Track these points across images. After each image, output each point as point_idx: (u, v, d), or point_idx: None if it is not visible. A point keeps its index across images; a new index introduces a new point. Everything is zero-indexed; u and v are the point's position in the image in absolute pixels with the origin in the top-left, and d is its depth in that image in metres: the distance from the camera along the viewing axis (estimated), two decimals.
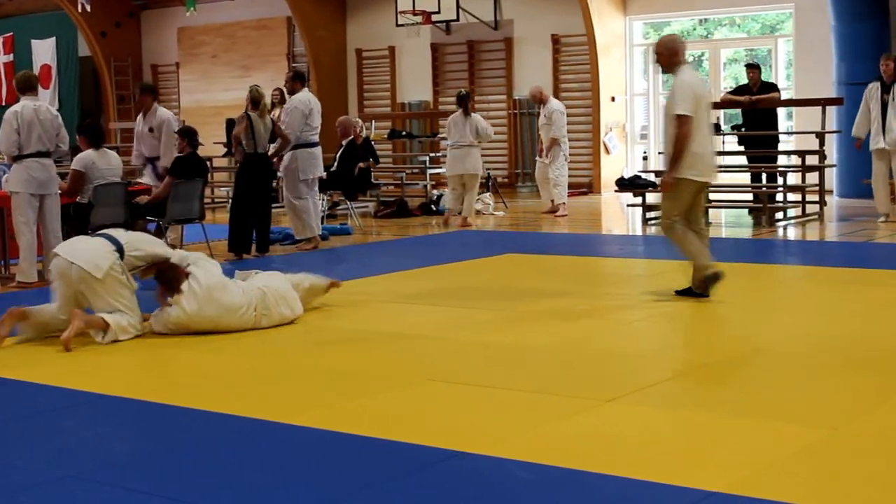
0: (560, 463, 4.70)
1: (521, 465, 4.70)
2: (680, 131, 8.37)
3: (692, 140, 8.39)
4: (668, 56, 8.63)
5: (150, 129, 12.42)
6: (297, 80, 13.21)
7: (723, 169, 16.59)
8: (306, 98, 12.99)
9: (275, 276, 8.41)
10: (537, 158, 16.80)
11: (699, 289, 8.68)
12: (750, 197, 15.57)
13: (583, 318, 8.20)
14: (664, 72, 8.85)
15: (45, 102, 11.18)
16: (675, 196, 8.62)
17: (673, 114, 8.41)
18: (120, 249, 7.79)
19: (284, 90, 14.75)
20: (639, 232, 14.39)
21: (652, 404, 5.72)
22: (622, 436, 5.19)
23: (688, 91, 8.42)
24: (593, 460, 4.75)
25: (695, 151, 8.43)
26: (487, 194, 17.49)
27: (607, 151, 19.90)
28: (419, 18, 20.44)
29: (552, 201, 16.37)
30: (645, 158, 20.03)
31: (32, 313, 7.78)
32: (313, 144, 12.95)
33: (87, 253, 7.73)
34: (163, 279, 7.95)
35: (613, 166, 19.88)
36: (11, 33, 27.09)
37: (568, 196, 16.62)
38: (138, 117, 12.72)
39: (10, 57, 27.14)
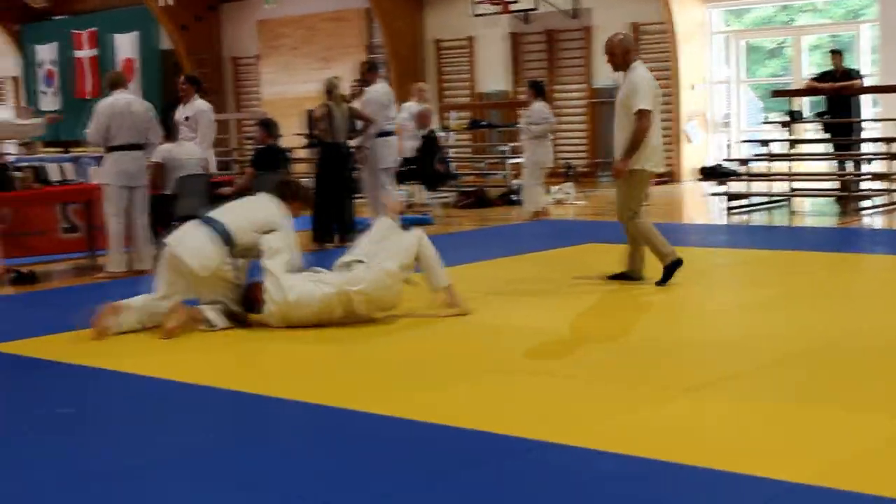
0: (642, 453, 4.67)
1: (603, 456, 4.68)
2: (641, 125, 8.75)
3: (650, 133, 8.81)
4: (622, 55, 8.98)
5: (186, 118, 12.47)
6: (372, 71, 13.25)
7: (807, 157, 16.47)
8: (384, 89, 13.04)
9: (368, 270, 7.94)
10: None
11: (666, 279, 8.94)
12: (834, 185, 15.36)
13: (665, 307, 8.14)
14: (617, 70, 9.08)
15: (137, 96, 11.34)
16: (637, 187, 9.00)
17: (635, 109, 8.73)
18: (228, 240, 7.82)
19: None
20: (721, 221, 14.25)
21: (736, 394, 5.66)
22: (705, 426, 5.15)
23: (647, 87, 8.86)
24: (676, 450, 4.71)
25: (653, 144, 8.88)
26: (568, 184, 17.45)
27: (688, 140, 19.73)
28: (497, 8, 20.40)
29: None
30: (728, 147, 19.84)
31: (126, 307, 7.85)
32: (389, 133, 13.01)
33: (195, 250, 7.76)
34: None
35: (694, 155, 19.71)
36: (95, 28, 27.49)
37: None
38: (179, 106, 12.78)
39: (94, 51, 27.56)
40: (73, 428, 5.57)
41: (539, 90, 15.09)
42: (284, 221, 8.05)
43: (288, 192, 8.32)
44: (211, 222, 7.93)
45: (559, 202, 16.64)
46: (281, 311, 7.63)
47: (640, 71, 8.98)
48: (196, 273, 7.69)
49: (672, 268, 8.94)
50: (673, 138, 19.77)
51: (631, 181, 8.95)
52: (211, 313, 7.72)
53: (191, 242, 7.84)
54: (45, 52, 28.92)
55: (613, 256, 10.71)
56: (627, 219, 9.02)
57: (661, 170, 9.25)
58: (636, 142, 8.78)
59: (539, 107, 14.68)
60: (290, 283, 7.65)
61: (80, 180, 11.75)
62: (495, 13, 20.76)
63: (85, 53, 27.79)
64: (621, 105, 8.90)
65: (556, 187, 17.16)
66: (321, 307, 7.64)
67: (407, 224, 13.90)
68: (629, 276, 9.11)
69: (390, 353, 7.03)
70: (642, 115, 8.76)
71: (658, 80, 18.56)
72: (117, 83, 11.00)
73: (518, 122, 17.27)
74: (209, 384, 6.28)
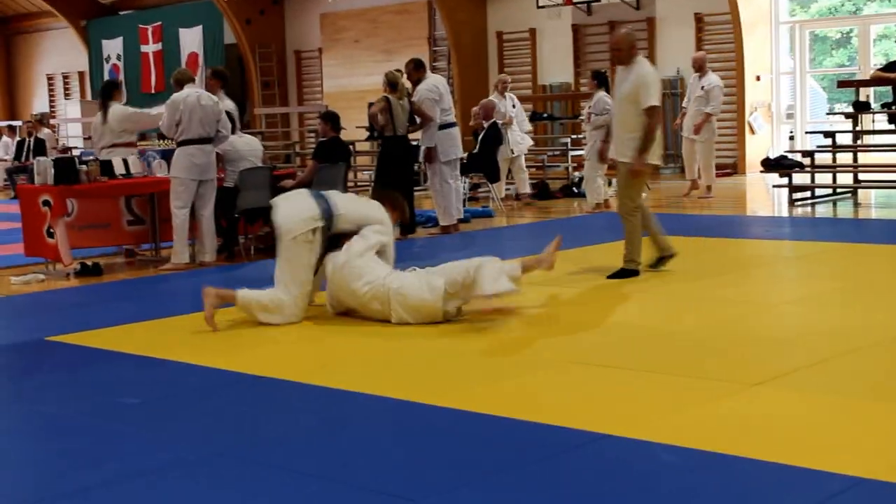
0: (705, 446, 4.65)
1: (666, 448, 4.66)
2: (653, 121, 8.85)
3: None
4: (628, 50, 9.05)
5: None
6: (418, 70, 13.16)
7: (873, 148, 16.26)
8: (430, 84, 12.94)
9: (414, 276, 7.73)
10: (684, 134, 16.27)
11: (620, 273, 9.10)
12: None
13: (728, 301, 8.08)
14: (620, 64, 9.15)
15: (205, 91, 11.42)
16: (641, 181, 9.19)
17: (647, 105, 8.81)
18: (329, 217, 7.83)
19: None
20: (785, 213, 14.12)
21: (799, 389, 5.61)
22: (769, 420, 5.11)
23: (657, 82, 9.06)
24: (739, 444, 4.68)
25: (657, 138, 9.01)
26: None
27: (752, 131, 19.56)
28: (560, 0, 20.33)
29: (694, 180, 16.06)
30: (791, 138, 19.64)
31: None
32: (450, 125, 12.97)
33: (289, 210, 7.85)
34: None
35: (758, 146, 19.54)
36: (160, 23, 27.76)
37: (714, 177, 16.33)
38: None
39: (159, 46, 27.83)
40: (138, 418, 5.64)
41: (602, 80, 14.98)
42: (386, 226, 8.04)
43: (394, 202, 8.35)
44: (320, 197, 7.98)
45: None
46: (332, 283, 7.76)
47: (647, 66, 9.10)
48: (279, 231, 7.76)
49: (629, 273, 9.07)
50: (737, 130, 19.61)
51: (637, 175, 9.08)
52: (243, 295, 7.76)
53: (289, 204, 7.94)
54: (112, 47, 29.24)
55: (678, 248, 10.64)
56: (628, 212, 9.13)
57: (660, 163, 9.45)
58: (651, 138, 8.87)
59: (601, 97, 14.58)
60: (356, 263, 7.69)
61: (144, 173, 11.86)
62: (558, 5, 20.69)
63: (150, 48, 28.06)
64: (627, 100, 8.95)
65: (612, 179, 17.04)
66: (361, 294, 7.64)
67: (469, 217, 13.97)
68: (664, 258, 9.30)
69: (453, 346, 7.03)
70: (654, 111, 8.86)
71: (722, 70, 18.41)
72: (183, 81, 11.11)
73: (580, 113, 17.25)
74: (276, 376, 6.33)
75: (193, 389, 6.24)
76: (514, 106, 16.04)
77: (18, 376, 6.70)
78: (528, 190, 16.36)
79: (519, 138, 16.17)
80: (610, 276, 9.07)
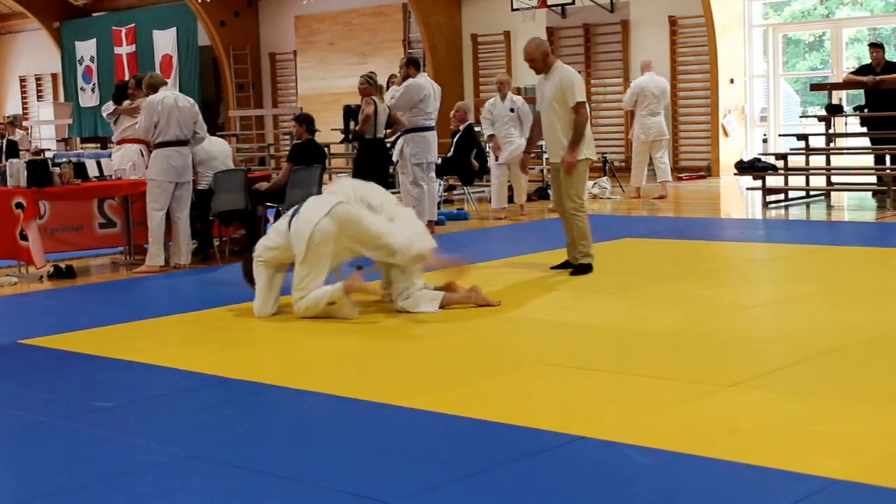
0: (680, 448, 4.66)
1: (641, 450, 4.67)
2: (581, 116, 9.30)
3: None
4: (543, 59, 9.46)
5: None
6: (411, 66, 13.17)
7: (846, 151, 16.34)
8: (421, 82, 12.96)
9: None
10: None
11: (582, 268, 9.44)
12: (873, 179, 15.23)
13: (702, 302, 8.11)
14: (539, 73, 9.54)
15: (180, 93, 11.39)
16: (580, 177, 9.49)
17: (574, 102, 9.27)
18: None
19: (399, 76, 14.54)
20: (759, 216, 14.18)
21: (774, 390, 5.63)
22: (743, 421, 5.12)
23: (580, 81, 9.53)
24: (714, 446, 4.70)
25: (589, 134, 9.46)
26: (604, 178, 17.40)
27: (726, 134, 19.63)
28: (534, 2, 20.36)
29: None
30: (765, 141, 19.72)
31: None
32: (426, 129, 12.95)
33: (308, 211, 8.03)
34: None
35: (732, 149, 19.61)
36: (133, 24, 27.66)
37: (686, 179, 16.50)
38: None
39: (133, 48, 27.73)
40: (112, 421, 5.61)
41: None
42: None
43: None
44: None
45: (595, 197, 16.59)
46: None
47: (568, 68, 9.53)
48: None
49: (586, 269, 9.39)
50: (711, 132, 19.69)
51: (575, 172, 9.39)
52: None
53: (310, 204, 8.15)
54: (85, 49, 29.12)
55: (652, 251, 10.69)
56: (573, 210, 9.41)
57: (594, 157, 9.76)
58: (579, 133, 9.29)
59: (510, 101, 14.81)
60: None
61: (117, 176, 11.82)
62: (532, 7, 20.71)
63: (124, 50, 27.96)
64: (555, 102, 9.36)
65: (592, 182, 17.10)
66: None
67: (443, 220, 13.97)
68: (571, 264, 9.54)
69: (428, 347, 7.04)
70: (582, 107, 9.31)
71: (696, 73, 18.59)
72: (157, 85, 11.08)
73: None
74: (250, 378, 6.31)
75: (167, 392, 6.21)
76: (511, 110, 14.72)
77: None
78: (523, 201, 15.22)
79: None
80: (572, 273, 9.35)
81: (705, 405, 5.38)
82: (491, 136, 14.71)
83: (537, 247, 11.26)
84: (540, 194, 17.01)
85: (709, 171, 19.61)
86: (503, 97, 14.64)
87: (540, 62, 9.44)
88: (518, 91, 21.72)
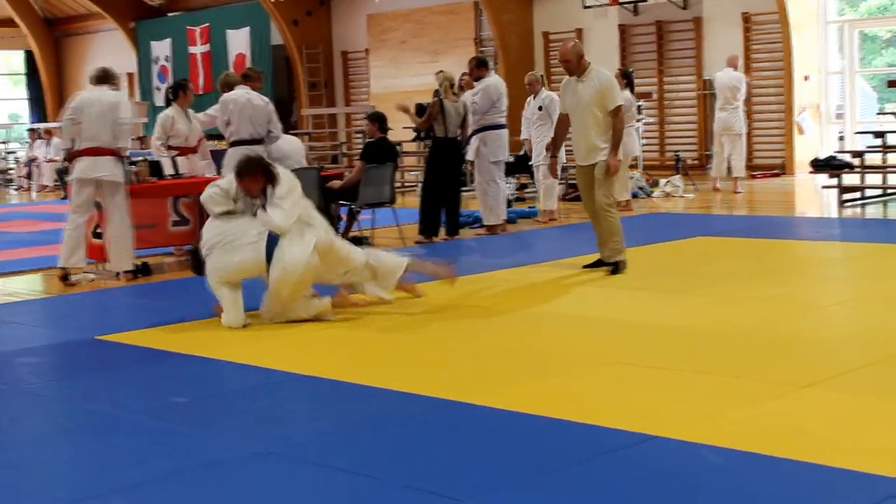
0: (752, 448, 4.62)
1: (713, 450, 4.64)
2: (621, 120, 9.50)
3: None
4: (577, 60, 9.47)
5: None
6: (481, 67, 13.17)
7: None
8: (496, 82, 12.98)
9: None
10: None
11: (617, 266, 9.46)
12: None
13: (776, 301, 8.03)
14: (572, 74, 9.53)
15: (255, 92, 11.46)
16: (614, 179, 9.60)
17: (613, 106, 9.35)
18: None
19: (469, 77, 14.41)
20: (834, 214, 14.01)
21: (849, 391, 5.57)
22: (817, 422, 5.08)
23: (618, 85, 9.75)
24: (787, 446, 4.65)
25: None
26: (677, 177, 17.28)
27: (800, 132, 19.41)
28: (606, 0, 20.27)
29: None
30: (841, 138, 19.47)
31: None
32: (500, 126, 12.95)
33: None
34: None
35: (807, 147, 19.39)
36: (208, 24, 27.93)
37: (760, 177, 16.44)
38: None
39: (207, 47, 28.00)
40: (187, 417, 5.68)
41: (630, 80, 15.21)
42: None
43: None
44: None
45: (667, 195, 16.49)
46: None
47: (605, 71, 9.59)
48: None
49: (620, 267, 9.42)
50: (785, 130, 19.48)
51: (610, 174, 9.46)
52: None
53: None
54: (160, 49, 29.46)
55: (724, 249, 10.61)
56: (607, 208, 9.46)
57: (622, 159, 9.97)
58: (620, 137, 9.44)
59: (626, 97, 14.68)
60: None
61: (192, 174, 11.96)
62: (604, 5, 20.63)
63: (198, 49, 28.25)
64: (593, 105, 9.36)
65: (665, 180, 17.02)
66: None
67: (514, 218, 13.95)
68: (605, 262, 9.53)
69: (494, 344, 7.04)
70: (620, 111, 9.47)
71: (770, 71, 18.46)
72: (232, 83, 11.20)
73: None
74: (320, 375, 6.36)
75: (241, 388, 6.28)
76: (539, 108, 14.06)
77: (69, 375, 6.77)
78: (552, 206, 14.45)
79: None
80: (611, 272, 9.37)
81: (780, 405, 5.34)
82: (525, 140, 14.70)
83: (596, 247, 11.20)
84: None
85: (783, 169, 19.40)
86: (534, 96, 14.24)
87: (574, 63, 9.45)
88: None
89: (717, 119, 16.76)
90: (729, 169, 16.82)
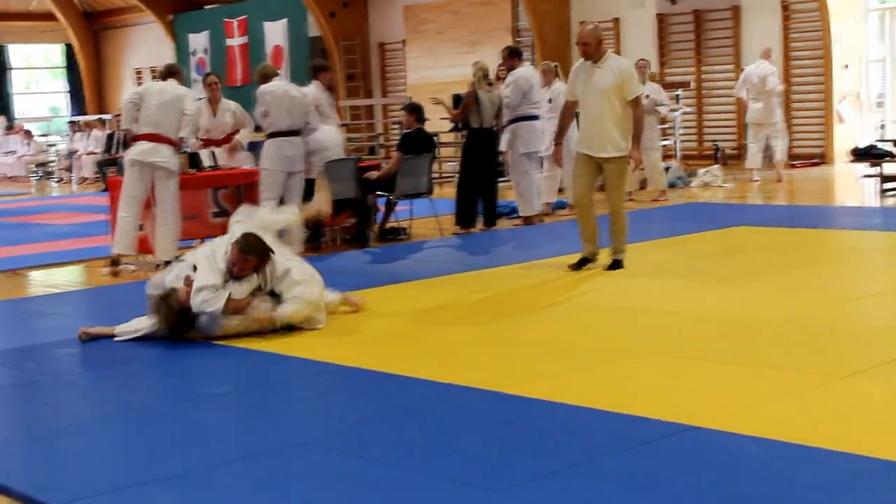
0: (794, 439, 4.61)
1: (752, 441, 4.63)
2: (642, 110, 9.28)
3: None
4: (596, 45, 9.11)
5: None
6: (513, 57, 13.15)
7: None
8: (528, 73, 12.95)
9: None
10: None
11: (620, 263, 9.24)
12: None
13: (815, 292, 7.99)
14: (589, 59, 9.12)
15: (292, 84, 11.51)
16: (627, 171, 9.35)
17: (634, 95, 9.04)
18: None
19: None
20: (874, 203, 13.91)
21: (889, 381, 5.54)
22: (859, 412, 5.05)
23: (637, 73, 9.33)
24: (827, 436, 4.63)
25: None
26: (716, 166, 17.21)
27: (840, 120, 19.27)
28: None
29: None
30: (882, 127, 19.31)
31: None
32: (533, 118, 12.92)
33: None
34: None
35: (847, 136, 19.24)
36: (245, 16, 27.99)
37: (800, 167, 16.40)
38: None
39: (245, 39, 28.07)
40: (227, 407, 5.72)
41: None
42: None
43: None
44: None
45: (706, 185, 16.42)
46: None
47: (624, 59, 9.34)
48: None
49: (621, 265, 9.19)
50: (825, 119, 19.33)
51: (626, 168, 9.25)
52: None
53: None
54: (198, 41, 29.56)
55: (763, 239, 10.56)
56: (622, 208, 9.25)
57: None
58: (642, 127, 9.25)
59: (649, 87, 14.87)
60: None
61: (230, 165, 12.02)
62: None
63: (236, 41, 28.32)
64: (612, 93, 8.99)
65: (703, 170, 16.95)
66: None
67: (560, 206, 13.90)
68: (590, 260, 9.34)
69: (535, 336, 7.04)
70: (640, 101, 9.18)
71: (809, 59, 18.32)
72: (269, 75, 11.25)
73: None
74: (359, 366, 6.38)
75: (281, 379, 6.31)
76: (549, 100, 13.45)
77: (109, 365, 6.81)
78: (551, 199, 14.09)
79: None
80: (610, 268, 9.18)
81: (819, 395, 5.31)
82: None
83: (650, 235, 11.18)
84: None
85: (822, 158, 19.26)
86: (548, 87, 13.72)
87: (593, 47, 9.07)
88: None
89: (750, 110, 16.66)
90: (770, 158, 16.76)
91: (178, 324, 7.14)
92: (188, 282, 7.13)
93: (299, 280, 7.34)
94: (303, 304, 7.28)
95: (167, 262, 10.46)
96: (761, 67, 16.47)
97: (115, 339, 7.28)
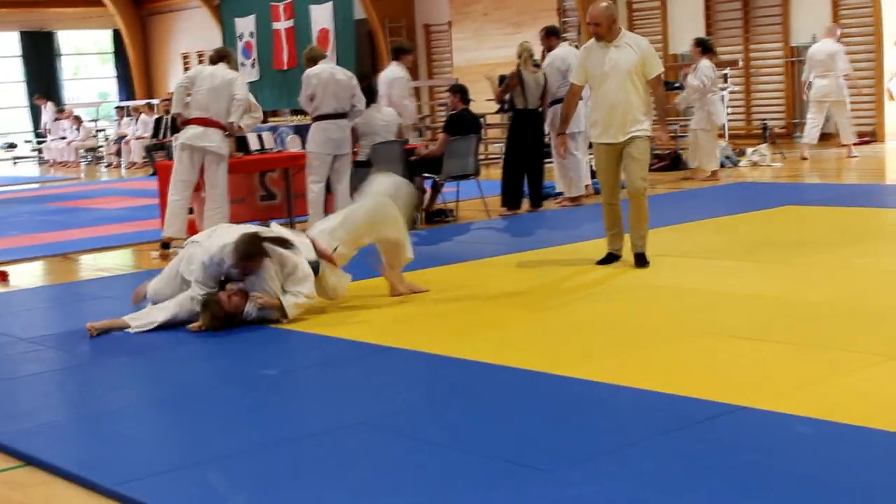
0: (842, 419, 4.58)
1: (802, 420, 4.61)
2: (664, 88, 8.94)
3: None
4: (609, 25, 8.53)
5: None
6: (551, 37, 13.10)
7: None
8: (564, 53, 12.86)
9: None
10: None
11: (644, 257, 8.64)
12: None
13: (865, 271, 7.92)
14: (601, 39, 8.53)
15: (339, 66, 11.53)
16: (648, 154, 8.77)
17: (655, 74, 8.54)
18: None
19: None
20: None
21: None
22: None
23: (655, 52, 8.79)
24: (877, 416, 4.60)
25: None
26: (764, 145, 17.07)
27: (891, 98, 19.06)
28: None
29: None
30: None
31: None
32: None
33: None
34: None
35: None
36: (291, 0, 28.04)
37: (852, 145, 16.37)
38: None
39: (291, 22, 28.10)
40: (277, 388, 5.76)
41: (706, 48, 15.12)
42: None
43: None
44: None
45: (754, 164, 16.30)
46: None
47: (640, 38, 8.74)
48: None
49: (646, 259, 8.61)
50: (876, 96, 19.12)
51: (647, 149, 8.69)
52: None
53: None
54: (244, 25, 29.63)
55: (813, 218, 10.48)
56: (644, 192, 8.62)
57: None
58: (666, 104, 8.78)
59: (704, 65, 14.67)
60: None
61: (278, 149, 12.06)
62: None
63: (282, 25, 28.36)
64: (634, 73, 8.43)
65: (752, 149, 16.82)
66: None
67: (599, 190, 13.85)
68: (617, 256, 8.80)
69: (583, 317, 7.03)
70: (661, 80, 8.73)
71: (859, 37, 18.15)
72: (316, 58, 11.27)
73: (680, 81, 17.20)
74: (408, 347, 6.40)
75: (330, 360, 6.34)
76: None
77: (160, 348, 6.87)
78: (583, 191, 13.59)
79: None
80: (638, 266, 8.56)
81: (868, 376, 5.27)
82: None
83: (697, 215, 11.13)
84: (674, 164, 16.62)
85: (874, 136, 19.06)
86: None
87: (605, 28, 8.46)
88: (674, 58, 21.54)
89: (815, 86, 16.40)
90: (837, 135, 16.74)
91: (223, 324, 7.15)
92: (242, 292, 7.15)
93: (302, 277, 7.31)
94: (303, 300, 7.28)
95: None
96: (827, 45, 16.34)
97: (131, 330, 7.25)
